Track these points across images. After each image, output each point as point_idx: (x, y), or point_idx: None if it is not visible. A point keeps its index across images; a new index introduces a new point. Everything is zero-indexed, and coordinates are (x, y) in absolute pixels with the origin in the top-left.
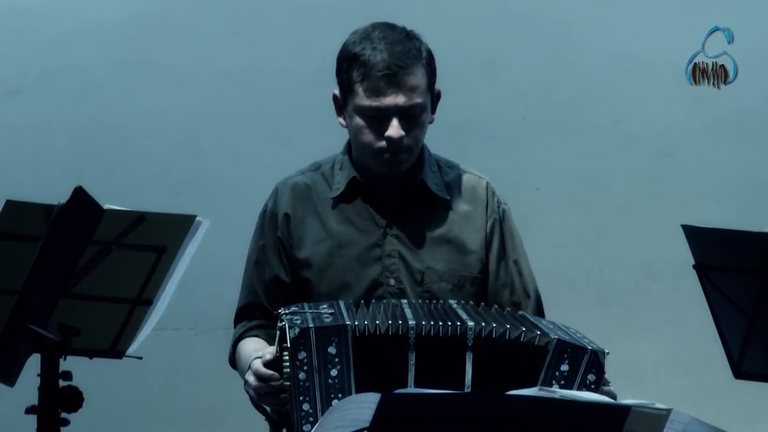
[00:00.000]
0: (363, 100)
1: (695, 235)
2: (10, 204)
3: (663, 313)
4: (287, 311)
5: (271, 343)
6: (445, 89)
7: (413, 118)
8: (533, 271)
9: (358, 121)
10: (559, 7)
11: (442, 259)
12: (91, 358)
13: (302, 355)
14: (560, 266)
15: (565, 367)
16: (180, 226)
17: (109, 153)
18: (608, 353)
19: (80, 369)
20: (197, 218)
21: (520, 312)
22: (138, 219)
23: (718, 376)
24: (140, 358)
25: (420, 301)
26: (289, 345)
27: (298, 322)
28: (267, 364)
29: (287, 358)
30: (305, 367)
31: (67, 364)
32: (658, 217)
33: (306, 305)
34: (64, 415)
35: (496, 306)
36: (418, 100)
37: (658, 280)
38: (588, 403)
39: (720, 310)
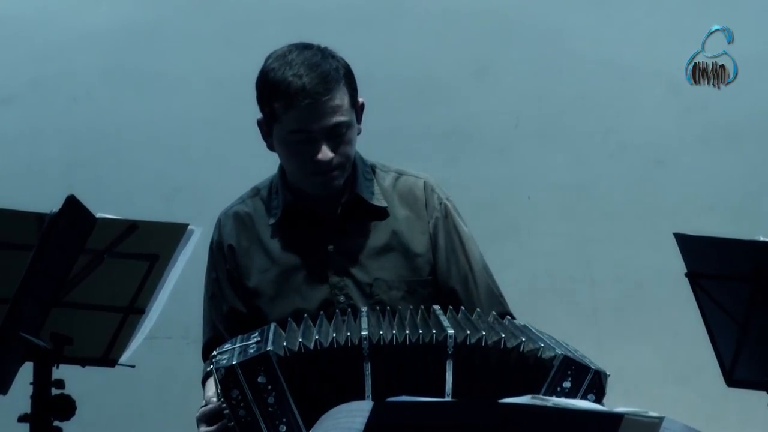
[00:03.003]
0: (288, 127)
1: (687, 244)
2: (1, 212)
3: (655, 321)
4: (218, 351)
5: None
6: (436, 97)
7: (340, 137)
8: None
9: (287, 147)
10: (551, 16)
11: (389, 268)
12: (83, 366)
13: (235, 393)
14: (552, 274)
15: (567, 384)
16: (172, 234)
17: (101, 161)
18: (609, 375)
19: (73, 377)
20: (189, 226)
21: (523, 323)
22: (130, 227)
23: (710, 384)
24: (133, 366)
25: (389, 309)
26: (220, 387)
27: (224, 361)
28: (211, 414)
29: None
30: (242, 404)
31: (60, 372)
32: (650, 226)
33: (238, 339)
34: (56, 423)
35: (494, 314)
36: (343, 118)
37: (650, 289)
38: (581, 411)
39: (712, 318)
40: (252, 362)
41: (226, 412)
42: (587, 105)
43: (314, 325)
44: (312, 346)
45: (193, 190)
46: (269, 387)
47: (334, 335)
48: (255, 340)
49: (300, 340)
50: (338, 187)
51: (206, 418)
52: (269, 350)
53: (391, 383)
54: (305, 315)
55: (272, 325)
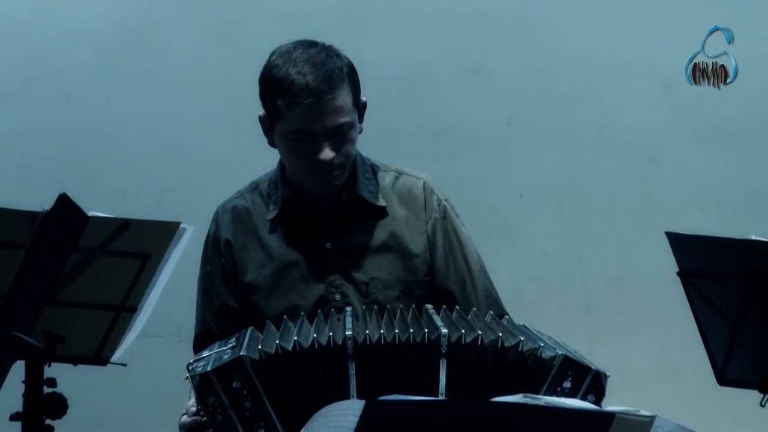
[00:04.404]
0: (291, 125)
1: (679, 242)
2: None
3: (647, 320)
4: (195, 359)
5: None
6: (429, 96)
7: (342, 136)
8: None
9: (288, 145)
10: (544, 15)
11: (386, 268)
12: (75, 365)
13: (211, 400)
14: (544, 273)
15: (567, 384)
16: (164, 232)
17: (94, 160)
18: (608, 376)
19: (65, 376)
20: (181, 225)
21: (522, 323)
22: (122, 226)
23: (702, 382)
24: (124, 365)
25: (376, 309)
26: (196, 395)
27: (199, 369)
28: (192, 424)
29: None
30: (219, 410)
31: (52, 371)
32: (642, 224)
33: (216, 344)
34: (48, 422)
35: (492, 313)
36: (346, 119)
37: (642, 287)
38: (573, 409)
39: (704, 317)
40: (226, 368)
41: (203, 419)
42: (579, 104)
43: (294, 327)
44: (291, 347)
45: (185, 189)
46: (245, 392)
47: (315, 336)
48: (231, 345)
49: (277, 342)
50: (338, 186)
51: (187, 428)
52: (242, 355)
53: (378, 383)
54: (284, 317)
55: (249, 329)
